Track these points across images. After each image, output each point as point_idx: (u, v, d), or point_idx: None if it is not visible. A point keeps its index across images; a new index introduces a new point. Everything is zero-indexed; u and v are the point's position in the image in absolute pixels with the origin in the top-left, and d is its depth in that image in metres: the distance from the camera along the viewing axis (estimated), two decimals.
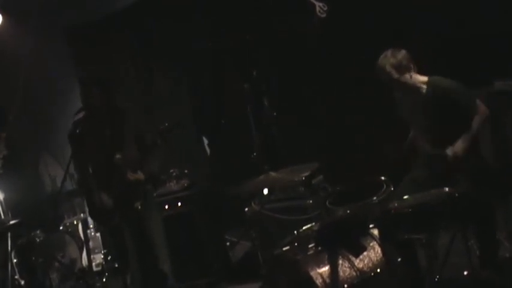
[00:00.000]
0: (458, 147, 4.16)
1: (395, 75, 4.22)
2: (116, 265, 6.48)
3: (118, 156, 4.82)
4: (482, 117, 4.21)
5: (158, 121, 6.80)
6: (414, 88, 4.28)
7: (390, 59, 4.23)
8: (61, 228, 7.07)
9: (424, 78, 4.29)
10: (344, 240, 4.07)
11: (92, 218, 6.29)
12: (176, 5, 7.05)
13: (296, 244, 4.23)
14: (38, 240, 6.63)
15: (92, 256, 6.78)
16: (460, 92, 4.20)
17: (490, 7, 5.40)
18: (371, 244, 4.12)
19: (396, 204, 3.87)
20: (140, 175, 4.87)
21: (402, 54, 4.24)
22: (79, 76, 7.14)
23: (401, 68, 4.22)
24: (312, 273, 3.90)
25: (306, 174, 4.62)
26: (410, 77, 4.25)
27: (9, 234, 6.16)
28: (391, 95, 4.49)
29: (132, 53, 7.56)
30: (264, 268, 4.74)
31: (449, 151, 4.19)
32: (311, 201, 4.89)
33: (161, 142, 4.80)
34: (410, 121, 4.53)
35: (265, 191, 4.92)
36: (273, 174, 4.39)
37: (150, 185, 5.07)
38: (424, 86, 4.27)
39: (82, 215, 7.09)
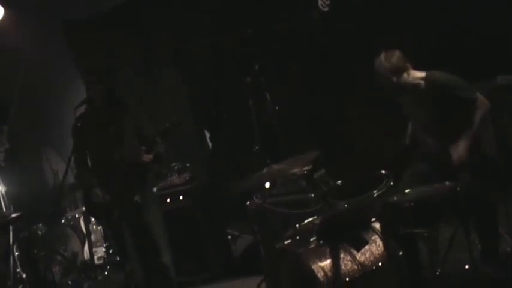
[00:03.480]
0: (461, 148, 4.12)
1: (394, 79, 4.20)
2: (118, 258, 6.49)
3: (117, 151, 4.83)
4: (483, 109, 4.17)
5: (159, 117, 6.84)
6: (413, 85, 4.26)
7: (385, 64, 4.21)
8: (63, 221, 7.08)
9: (422, 74, 4.27)
10: (346, 234, 4.07)
11: (88, 213, 6.31)
12: (176, 0, 7.05)
13: (298, 238, 4.24)
14: (39, 233, 6.64)
15: (93, 249, 6.77)
16: (458, 86, 4.18)
17: (491, 2, 5.40)
18: (372, 238, 4.12)
19: (398, 198, 3.88)
20: (149, 156, 4.87)
21: (396, 56, 4.22)
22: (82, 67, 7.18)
23: (399, 70, 4.20)
24: (314, 267, 3.90)
25: (309, 165, 4.61)
26: (408, 75, 4.23)
27: (10, 228, 6.17)
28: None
29: (133, 48, 7.55)
30: (265, 262, 4.75)
31: (454, 152, 4.13)
32: (313, 195, 4.90)
33: (162, 141, 4.80)
34: (410, 116, 4.53)
35: (267, 185, 4.92)
36: (275, 166, 4.38)
37: (157, 165, 5.08)
38: (422, 82, 4.25)
39: (84, 208, 7.09)
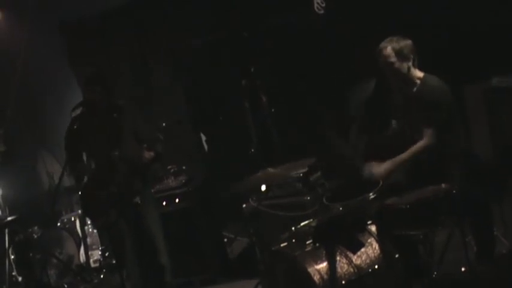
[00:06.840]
0: (381, 169, 4.17)
1: (393, 59, 4.16)
2: (114, 261, 6.48)
3: (115, 153, 4.83)
4: (425, 146, 4.12)
5: (156, 117, 6.82)
6: (408, 81, 4.22)
7: (393, 43, 4.17)
8: (59, 224, 7.07)
9: (420, 74, 4.23)
10: (342, 236, 4.07)
11: (85, 214, 6.30)
12: (174, 1, 7.05)
13: (294, 240, 4.23)
14: (35, 236, 6.62)
15: (89, 252, 6.77)
16: (437, 104, 4.10)
17: (488, 2, 5.41)
18: (369, 240, 4.12)
19: (393, 201, 3.88)
20: (150, 153, 4.89)
21: (406, 42, 4.18)
22: (81, 73, 7.18)
23: (401, 55, 4.15)
24: (310, 270, 3.91)
25: (304, 170, 4.62)
26: (408, 68, 4.18)
27: (6, 231, 6.16)
28: (388, 90, 4.46)
29: (130, 49, 7.55)
30: (261, 264, 4.75)
31: (374, 169, 4.19)
32: (309, 198, 4.90)
33: (163, 137, 4.82)
34: (400, 113, 4.50)
35: (263, 188, 4.92)
36: (271, 170, 4.38)
37: (157, 164, 5.08)
38: (418, 82, 4.22)
39: (79, 211, 7.09)
